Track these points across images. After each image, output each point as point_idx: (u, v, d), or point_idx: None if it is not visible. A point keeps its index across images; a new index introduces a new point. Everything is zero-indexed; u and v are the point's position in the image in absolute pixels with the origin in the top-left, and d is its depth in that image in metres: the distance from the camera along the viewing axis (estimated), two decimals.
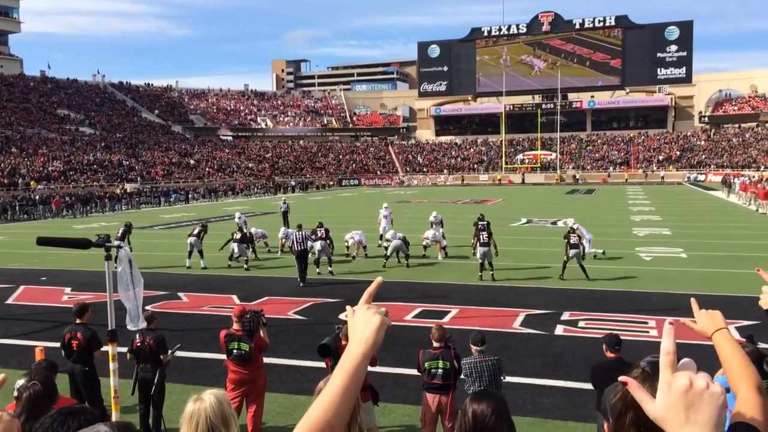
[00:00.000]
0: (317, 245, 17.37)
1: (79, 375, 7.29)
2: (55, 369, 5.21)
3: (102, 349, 7.10)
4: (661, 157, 78.05)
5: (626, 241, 22.79)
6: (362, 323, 1.48)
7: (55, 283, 16.76)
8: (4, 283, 16.86)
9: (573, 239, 15.92)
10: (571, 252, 15.84)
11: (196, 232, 19.06)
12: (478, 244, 16.49)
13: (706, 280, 15.69)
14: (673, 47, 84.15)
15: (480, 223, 16.94)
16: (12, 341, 10.82)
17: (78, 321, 7.55)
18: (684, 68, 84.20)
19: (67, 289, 15.98)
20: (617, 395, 1.46)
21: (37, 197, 43.45)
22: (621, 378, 1.30)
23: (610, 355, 6.24)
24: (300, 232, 16.71)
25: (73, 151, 60.56)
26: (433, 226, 20.87)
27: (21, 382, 3.30)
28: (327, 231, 17.78)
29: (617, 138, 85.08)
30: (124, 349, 7.32)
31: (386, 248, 18.87)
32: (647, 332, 11.07)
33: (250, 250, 19.58)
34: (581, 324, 11.77)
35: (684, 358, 1.20)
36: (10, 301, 14.86)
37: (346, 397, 1.41)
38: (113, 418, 6.13)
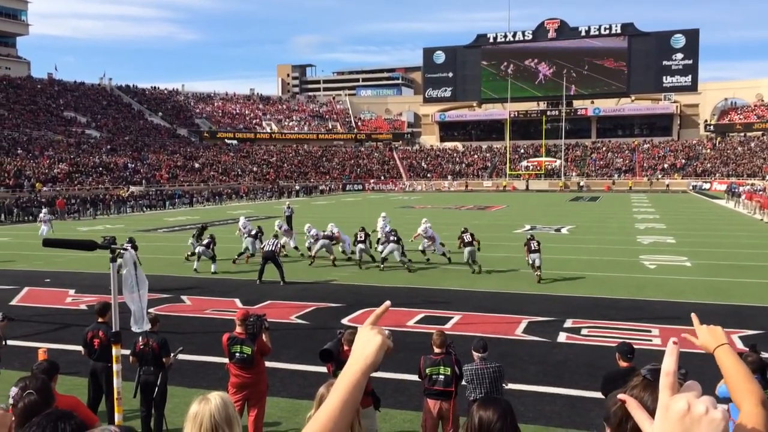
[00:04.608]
0: (359, 247, 19.27)
1: (102, 373, 7.35)
2: (55, 370, 5.21)
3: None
4: (666, 165, 77.94)
5: (630, 249, 22.75)
6: (363, 342, 1.51)
7: (59, 285, 16.80)
8: (8, 285, 16.91)
9: (533, 245, 17.06)
10: (531, 256, 16.98)
11: (205, 242, 19.15)
12: (462, 245, 18.17)
13: (710, 289, 15.64)
14: (679, 55, 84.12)
15: (464, 235, 18.39)
16: (15, 342, 10.84)
17: (100, 320, 7.66)
18: (690, 76, 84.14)
19: (71, 291, 16.02)
20: (617, 403, 1.46)
21: (43, 199, 43.59)
22: (620, 396, 1.29)
23: (623, 364, 6.18)
24: (273, 238, 18.03)
25: (79, 154, 60.78)
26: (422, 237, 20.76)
27: (15, 390, 3.27)
28: (367, 234, 19.63)
29: (622, 145, 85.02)
30: (128, 352, 7.34)
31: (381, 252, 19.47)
32: (650, 341, 11.03)
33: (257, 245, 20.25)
34: (584, 332, 11.74)
35: (688, 381, 1.16)
36: (14, 302, 14.91)
37: (343, 412, 1.44)
38: (116, 420, 6.14)
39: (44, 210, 31.89)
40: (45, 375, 4.47)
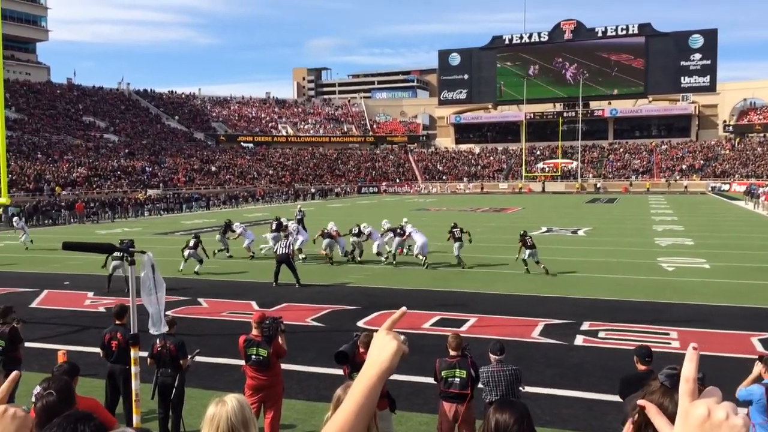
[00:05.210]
0: (352, 240, 20.49)
1: (120, 375, 7.44)
2: (76, 372, 5.27)
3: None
4: (684, 167, 77.20)
5: (648, 251, 22.55)
6: (379, 347, 1.51)
7: (78, 288, 16.98)
8: (29, 287, 17.12)
9: (529, 241, 17.95)
10: (527, 252, 17.84)
11: (192, 243, 19.38)
12: (452, 239, 19.58)
13: (729, 291, 15.46)
14: (697, 55, 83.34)
15: (454, 230, 19.81)
16: (35, 344, 10.98)
17: (117, 322, 7.75)
18: (708, 76, 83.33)
19: (90, 294, 16.19)
20: (636, 408, 1.45)
21: (62, 203, 44.12)
22: (639, 402, 1.27)
23: (641, 367, 6.13)
24: (285, 240, 18.17)
25: (98, 158, 61.45)
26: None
27: (38, 389, 3.32)
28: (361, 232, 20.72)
29: (639, 147, 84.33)
30: (146, 354, 7.41)
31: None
32: (669, 344, 10.94)
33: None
34: (601, 335, 11.65)
35: (709, 387, 1.15)
36: (33, 305, 15.09)
37: (359, 417, 1.45)
38: (134, 422, 6.20)
39: (15, 218, 30.09)
40: (66, 376, 4.51)
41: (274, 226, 21.48)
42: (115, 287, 16.14)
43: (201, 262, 19.25)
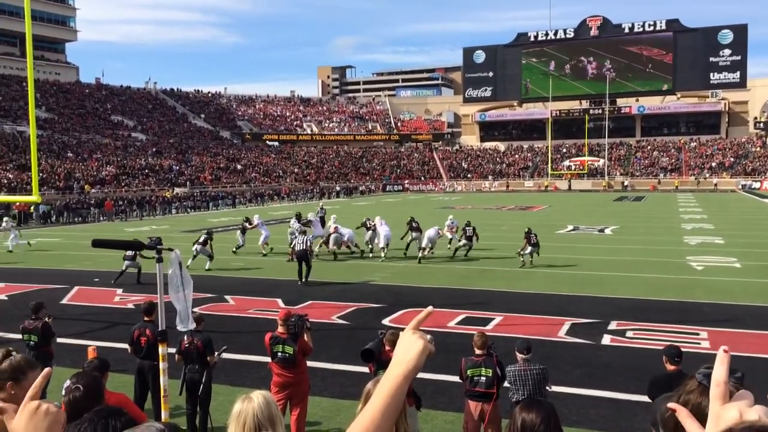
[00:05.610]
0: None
1: (149, 371, 7.54)
2: (106, 368, 5.34)
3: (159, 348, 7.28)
4: (713, 164, 75.88)
5: (677, 250, 22.21)
6: (405, 346, 1.52)
7: (108, 285, 17.25)
8: (60, 284, 17.43)
9: (533, 239, 18.68)
10: (529, 248, 18.63)
11: (201, 240, 19.55)
12: (464, 238, 20.76)
13: (761, 291, 15.15)
14: (727, 51, 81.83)
15: (466, 228, 20.72)
16: (66, 340, 11.17)
17: (146, 319, 7.85)
18: (738, 73, 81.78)
19: (119, 291, 16.44)
20: (669, 411, 1.42)
21: (92, 201, 44.86)
22: (670, 405, 1.26)
23: (670, 367, 6.04)
24: (302, 236, 18.09)
25: (126, 156, 62.34)
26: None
27: (68, 383, 3.37)
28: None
29: (668, 144, 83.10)
30: (174, 350, 7.49)
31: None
32: (699, 344, 10.76)
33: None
34: (629, 334, 11.51)
35: (741, 390, 1.14)
36: (64, 301, 15.37)
37: (386, 416, 1.46)
38: (162, 418, 6.28)
39: (5, 219, 29.75)
40: (96, 372, 4.58)
41: (294, 222, 22.09)
42: (124, 281, 16.92)
43: (211, 258, 19.43)
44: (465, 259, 20.59)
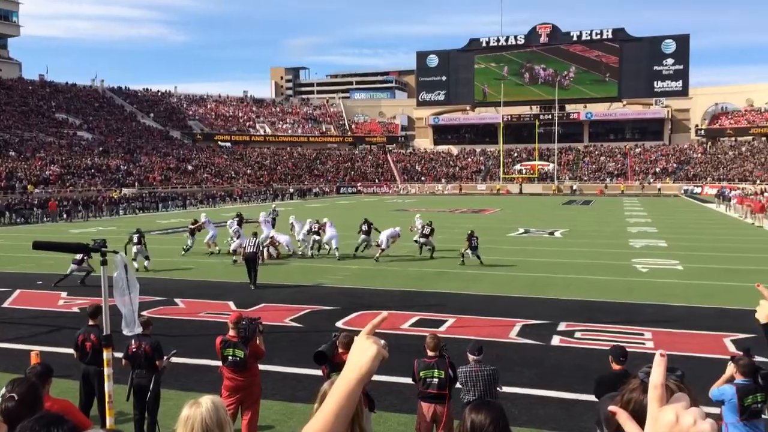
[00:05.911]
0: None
1: (95, 376, 7.31)
2: (49, 374, 5.15)
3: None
4: (657, 169, 78.30)
5: (623, 253, 22.83)
6: (359, 351, 1.53)
7: (51, 288, 16.70)
8: (0, 287, 16.80)
9: (474, 242, 19.45)
10: (470, 252, 19.51)
11: (136, 239, 19.31)
12: (421, 236, 21.61)
13: (701, 293, 15.71)
14: (670, 60, 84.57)
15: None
16: (7, 345, 10.78)
17: (91, 323, 7.62)
18: (680, 81, 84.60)
19: (63, 294, 15.94)
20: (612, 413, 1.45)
21: (35, 201, 43.39)
22: (611, 408, 1.28)
23: (616, 367, 6.20)
24: (253, 238, 17.94)
25: (71, 155, 60.51)
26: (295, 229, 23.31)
27: (3, 391, 3.24)
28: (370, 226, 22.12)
29: (614, 149, 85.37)
30: (120, 355, 7.31)
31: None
32: (643, 344, 11.07)
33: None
34: (578, 335, 11.76)
35: (677, 393, 1.17)
36: (5, 304, 14.81)
37: (339, 419, 1.47)
38: (107, 424, 6.11)
39: None
40: (39, 379, 4.41)
41: (233, 223, 22.11)
42: (68, 284, 16.56)
43: (147, 258, 19.31)
44: (419, 261, 20.75)
